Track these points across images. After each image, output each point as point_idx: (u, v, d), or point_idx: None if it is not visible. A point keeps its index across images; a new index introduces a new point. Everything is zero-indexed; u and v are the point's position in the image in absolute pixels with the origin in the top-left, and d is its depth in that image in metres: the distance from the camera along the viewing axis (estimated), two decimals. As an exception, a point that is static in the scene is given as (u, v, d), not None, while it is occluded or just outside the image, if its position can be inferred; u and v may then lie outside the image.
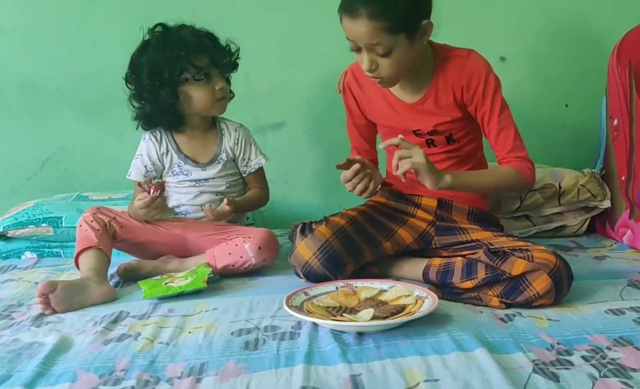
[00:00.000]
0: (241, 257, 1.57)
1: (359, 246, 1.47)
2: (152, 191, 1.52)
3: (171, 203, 1.69)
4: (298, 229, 1.47)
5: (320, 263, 1.40)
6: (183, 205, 1.70)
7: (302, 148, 2.25)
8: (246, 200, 1.71)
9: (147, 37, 1.61)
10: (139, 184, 1.56)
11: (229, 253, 1.57)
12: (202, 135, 1.71)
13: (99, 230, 1.54)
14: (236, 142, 1.71)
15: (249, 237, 1.58)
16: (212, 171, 1.68)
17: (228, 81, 1.69)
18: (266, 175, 1.78)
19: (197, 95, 1.60)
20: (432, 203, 1.56)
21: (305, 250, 1.42)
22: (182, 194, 1.70)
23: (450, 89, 1.44)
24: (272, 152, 1.79)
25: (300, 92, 2.21)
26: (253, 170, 1.73)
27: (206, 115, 1.69)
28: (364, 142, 1.63)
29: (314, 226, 1.46)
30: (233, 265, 1.57)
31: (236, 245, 1.58)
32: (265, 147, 1.79)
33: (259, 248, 1.56)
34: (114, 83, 1.68)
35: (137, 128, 1.69)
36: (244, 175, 1.74)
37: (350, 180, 1.38)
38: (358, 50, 1.35)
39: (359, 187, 1.38)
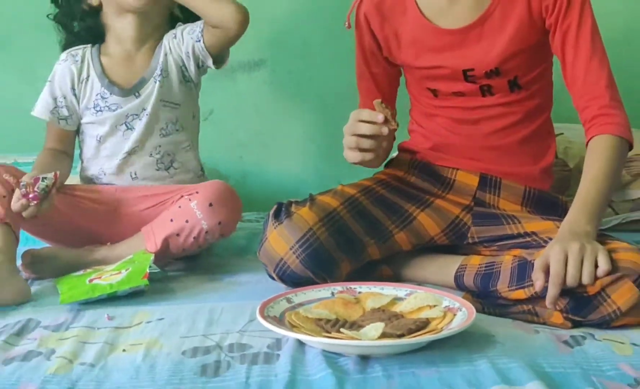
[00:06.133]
0: (187, 222, 1.52)
1: (358, 238, 1.42)
2: (30, 196, 1.42)
3: (91, 170, 1.66)
4: (271, 212, 1.41)
5: (301, 261, 1.36)
6: (105, 173, 1.67)
7: (286, 96, 2.14)
8: None
9: None
10: (17, 183, 1.44)
11: (171, 220, 1.53)
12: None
13: (4, 196, 1.45)
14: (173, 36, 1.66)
15: (196, 192, 1.54)
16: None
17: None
18: (236, 137, 1.74)
19: None
20: (471, 180, 1.50)
21: (279, 242, 1.38)
22: (104, 158, 1.66)
23: None
24: (244, 104, 1.77)
25: (284, 17, 2.13)
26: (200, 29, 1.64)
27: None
28: (381, 97, 1.52)
29: (293, 208, 1.40)
30: (178, 234, 1.52)
31: (179, 206, 1.54)
32: (236, 95, 1.77)
33: (210, 204, 1.52)
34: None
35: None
36: (197, 41, 1.64)
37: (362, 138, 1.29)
38: None
39: (370, 148, 1.29)
